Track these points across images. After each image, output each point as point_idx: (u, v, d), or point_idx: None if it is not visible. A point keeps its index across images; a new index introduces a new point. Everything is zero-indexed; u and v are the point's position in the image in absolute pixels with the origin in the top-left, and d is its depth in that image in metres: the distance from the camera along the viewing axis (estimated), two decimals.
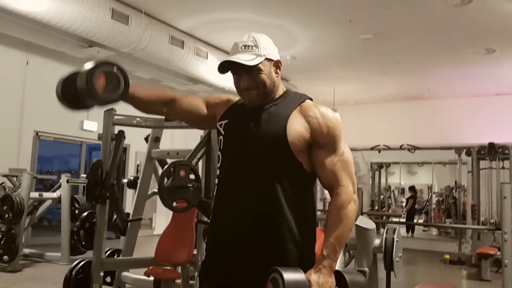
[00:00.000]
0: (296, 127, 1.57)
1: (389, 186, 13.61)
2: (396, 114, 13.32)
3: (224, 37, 8.76)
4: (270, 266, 1.45)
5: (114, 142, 4.19)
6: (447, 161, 10.76)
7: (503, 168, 8.29)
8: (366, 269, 2.52)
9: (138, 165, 10.44)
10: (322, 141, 1.58)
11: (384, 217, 11.82)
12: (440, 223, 13.40)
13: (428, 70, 10.57)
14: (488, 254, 6.75)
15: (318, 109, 1.61)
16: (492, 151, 8.07)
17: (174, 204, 3.61)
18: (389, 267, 2.47)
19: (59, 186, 6.69)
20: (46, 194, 6.84)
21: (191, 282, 4.46)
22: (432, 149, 9.60)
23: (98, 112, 9.13)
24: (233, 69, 1.62)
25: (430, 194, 13.73)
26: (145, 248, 6.12)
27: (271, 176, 1.55)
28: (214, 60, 9.24)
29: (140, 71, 9.36)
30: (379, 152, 9.57)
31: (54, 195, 6.77)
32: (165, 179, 3.61)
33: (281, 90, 1.69)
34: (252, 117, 1.63)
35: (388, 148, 9.30)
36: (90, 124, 9.20)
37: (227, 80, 9.51)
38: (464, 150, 8.73)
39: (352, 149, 7.44)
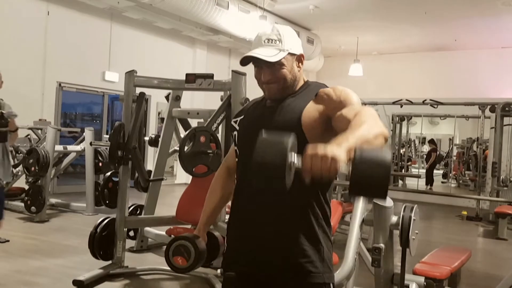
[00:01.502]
0: (310, 113, 1.55)
1: (410, 139, 13.52)
2: (420, 65, 13.01)
3: None
4: (290, 259, 1.50)
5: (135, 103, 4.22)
6: (470, 115, 10.56)
7: None
8: (382, 245, 2.57)
9: (159, 113, 10.52)
10: (336, 102, 1.52)
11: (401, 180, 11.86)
12: (460, 175, 13.42)
13: (456, 21, 10.21)
14: (506, 213, 6.75)
15: (329, 87, 1.61)
16: None
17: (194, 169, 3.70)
18: (405, 244, 2.50)
19: (83, 140, 6.82)
20: (70, 147, 7.00)
21: None
22: (455, 104, 9.40)
23: (119, 62, 9.13)
24: (255, 62, 1.60)
25: (451, 146, 13.63)
26: (168, 199, 6.30)
27: None
28: (235, 10, 9.04)
29: (160, 21, 9.26)
30: (401, 106, 9.41)
31: (78, 148, 6.92)
32: (186, 145, 3.67)
33: (301, 81, 1.67)
34: (267, 110, 1.64)
35: (411, 102, 9.13)
36: (111, 74, 9.23)
37: (248, 31, 9.35)
38: (488, 107, 8.53)
39: (373, 103, 7.32)
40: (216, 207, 1.84)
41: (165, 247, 5.06)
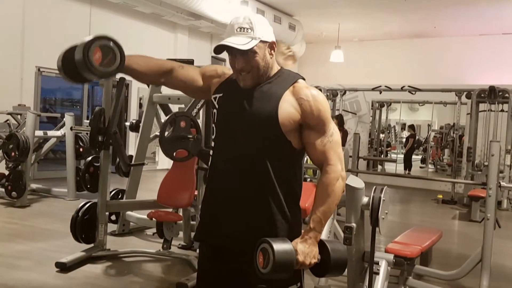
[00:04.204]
0: (288, 108, 1.64)
1: (389, 125, 13.72)
2: (400, 52, 13.18)
3: None
4: (261, 236, 1.58)
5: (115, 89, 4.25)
6: (448, 101, 10.77)
7: (502, 111, 8.35)
8: (354, 224, 2.68)
9: (140, 98, 10.52)
10: (313, 123, 1.66)
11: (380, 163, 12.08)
12: (438, 160, 13.69)
13: (435, 8, 10.35)
14: (479, 197, 6.94)
15: (310, 91, 1.67)
16: (492, 94, 8.06)
17: (175, 154, 3.77)
18: (375, 223, 2.61)
19: (63, 125, 6.81)
20: (50, 133, 6.98)
21: (192, 222, 4.71)
22: (433, 91, 9.58)
23: None
24: (229, 50, 1.66)
25: (429, 132, 13.88)
26: (149, 184, 6.35)
27: (262, 153, 1.66)
28: None
29: (141, 5, 9.21)
30: (380, 92, 9.56)
31: (58, 133, 6.91)
32: (166, 130, 3.73)
33: (275, 69, 1.73)
34: (246, 94, 1.70)
35: (389, 89, 9.28)
36: None
37: (230, 16, 9.35)
38: (465, 93, 8.72)
39: (354, 89, 7.48)
40: (145, 68, 1.78)
41: (147, 230, 5.15)
